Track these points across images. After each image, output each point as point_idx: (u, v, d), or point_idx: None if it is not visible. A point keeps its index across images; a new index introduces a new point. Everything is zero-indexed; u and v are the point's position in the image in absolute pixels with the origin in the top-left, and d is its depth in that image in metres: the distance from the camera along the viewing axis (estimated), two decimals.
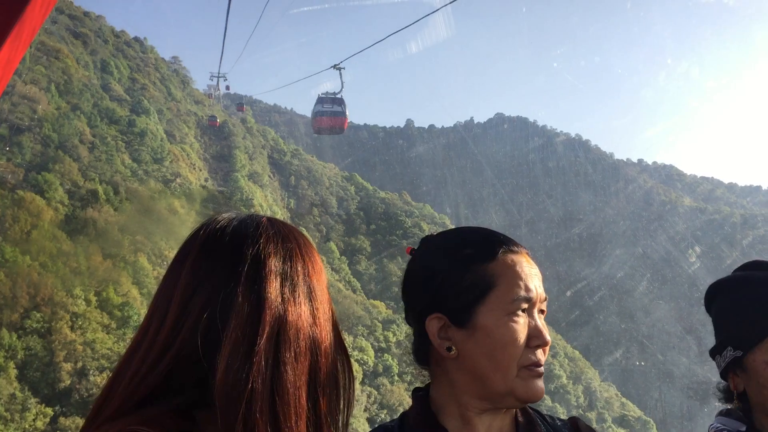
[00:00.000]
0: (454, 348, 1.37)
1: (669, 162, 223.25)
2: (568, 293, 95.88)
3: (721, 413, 1.71)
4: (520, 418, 1.45)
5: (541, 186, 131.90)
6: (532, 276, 1.39)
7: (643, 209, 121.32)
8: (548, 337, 1.38)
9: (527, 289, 1.37)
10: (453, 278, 1.39)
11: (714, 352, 1.74)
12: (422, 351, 1.46)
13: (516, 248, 1.41)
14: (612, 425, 71.93)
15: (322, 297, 1.24)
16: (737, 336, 1.65)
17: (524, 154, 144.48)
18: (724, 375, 1.73)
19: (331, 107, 45.81)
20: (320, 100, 46.38)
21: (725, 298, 1.74)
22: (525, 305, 1.36)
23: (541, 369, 1.38)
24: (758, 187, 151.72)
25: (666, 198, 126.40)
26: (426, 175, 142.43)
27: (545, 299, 1.41)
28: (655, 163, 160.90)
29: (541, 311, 1.41)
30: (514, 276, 1.37)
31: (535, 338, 1.36)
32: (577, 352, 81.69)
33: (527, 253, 1.43)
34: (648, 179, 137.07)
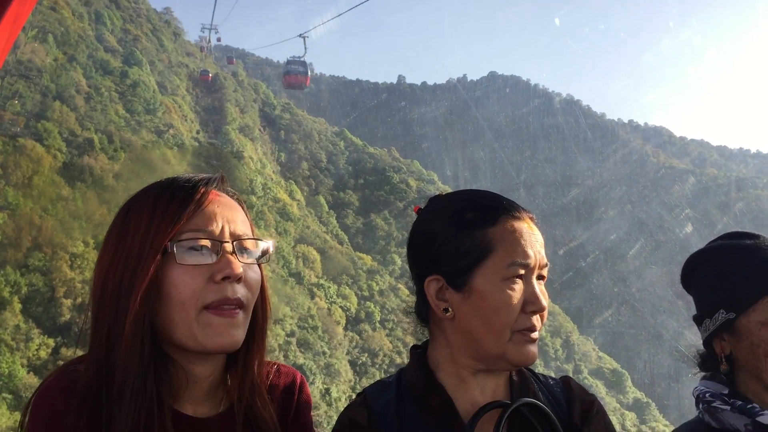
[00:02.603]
0: (450, 309, 1.45)
1: (660, 124, 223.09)
2: (561, 252, 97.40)
3: (705, 377, 1.82)
4: (515, 377, 1.54)
5: (539, 148, 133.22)
6: (532, 242, 1.44)
7: (639, 175, 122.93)
8: (544, 303, 1.44)
9: (525, 255, 1.42)
10: (452, 241, 1.45)
11: (703, 316, 1.81)
12: (422, 310, 1.56)
13: (518, 213, 1.47)
14: (588, 376, 76.09)
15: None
16: (731, 298, 1.73)
17: (523, 115, 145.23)
18: (708, 340, 1.82)
19: (296, 68, 56.54)
20: (288, 62, 57.27)
21: (716, 264, 1.81)
22: (522, 271, 1.42)
23: (535, 334, 1.44)
24: (748, 150, 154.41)
25: (656, 160, 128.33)
26: (427, 135, 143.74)
27: (545, 265, 1.47)
28: (646, 124, 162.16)
29: (541, 277, 1.48)
30: (512, 242, 1.42)
31: (530, 304, 1.42)
32: (557, 307, 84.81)
33: (531, 218, 1.50)
34: (641, 141, 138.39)
